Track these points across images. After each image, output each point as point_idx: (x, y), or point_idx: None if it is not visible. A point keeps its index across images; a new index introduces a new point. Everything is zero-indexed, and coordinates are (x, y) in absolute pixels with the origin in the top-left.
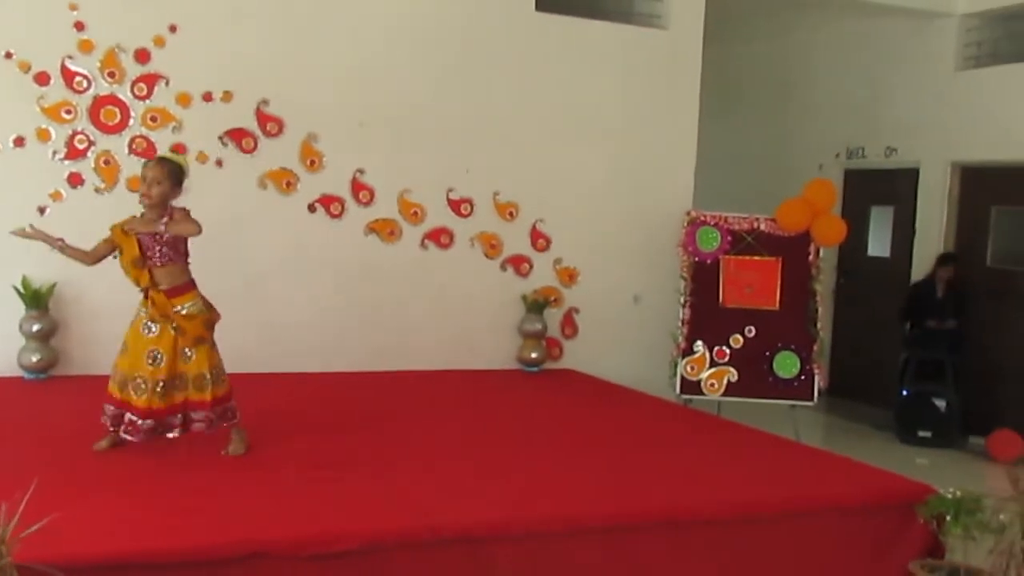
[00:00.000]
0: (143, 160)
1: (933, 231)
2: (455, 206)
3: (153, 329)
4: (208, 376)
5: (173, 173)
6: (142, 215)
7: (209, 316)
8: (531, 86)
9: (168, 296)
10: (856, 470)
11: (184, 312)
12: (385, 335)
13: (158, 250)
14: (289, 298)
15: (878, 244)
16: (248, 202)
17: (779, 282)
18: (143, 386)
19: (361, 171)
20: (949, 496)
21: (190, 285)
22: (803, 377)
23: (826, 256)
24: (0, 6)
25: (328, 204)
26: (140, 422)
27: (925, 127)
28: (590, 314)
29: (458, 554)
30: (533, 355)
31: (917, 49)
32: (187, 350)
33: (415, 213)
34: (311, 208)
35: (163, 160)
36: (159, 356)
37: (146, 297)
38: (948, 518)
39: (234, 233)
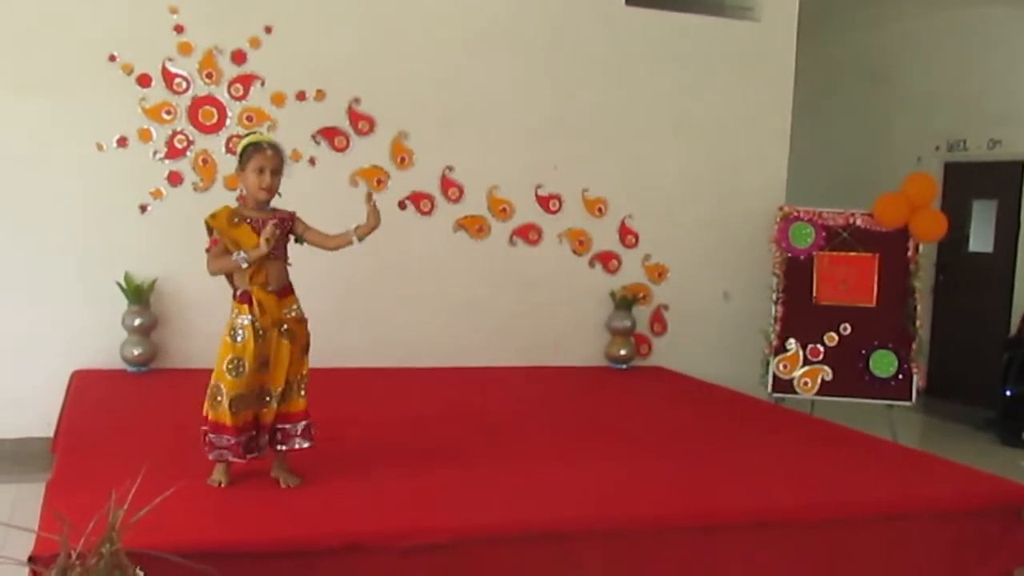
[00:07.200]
0: (260, 144)
1: None
2: (544, 202)
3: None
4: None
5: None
6: (241, 206)
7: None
8: (621, 81)
9: (278, 298)
10: (957, 472)
11: (294, 315)
12: (473, 332)
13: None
14: (378, 295)
15: (980, 239)
16: (340, 200)
17: (876, 279)
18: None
19: (450, 168)
20: None
21: (292, 286)
22: (901, 376)
23: (925, 252)
24: (104, 10)
25: (418, 201)
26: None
27: None
28: (679, 311)
29: (546, 550)
30: (622, 352)
31: (1022, 36)
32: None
33: (504, 210)
34: (401, 205)
35: (278, 147)
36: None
37: (246, 302)
38: None
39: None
